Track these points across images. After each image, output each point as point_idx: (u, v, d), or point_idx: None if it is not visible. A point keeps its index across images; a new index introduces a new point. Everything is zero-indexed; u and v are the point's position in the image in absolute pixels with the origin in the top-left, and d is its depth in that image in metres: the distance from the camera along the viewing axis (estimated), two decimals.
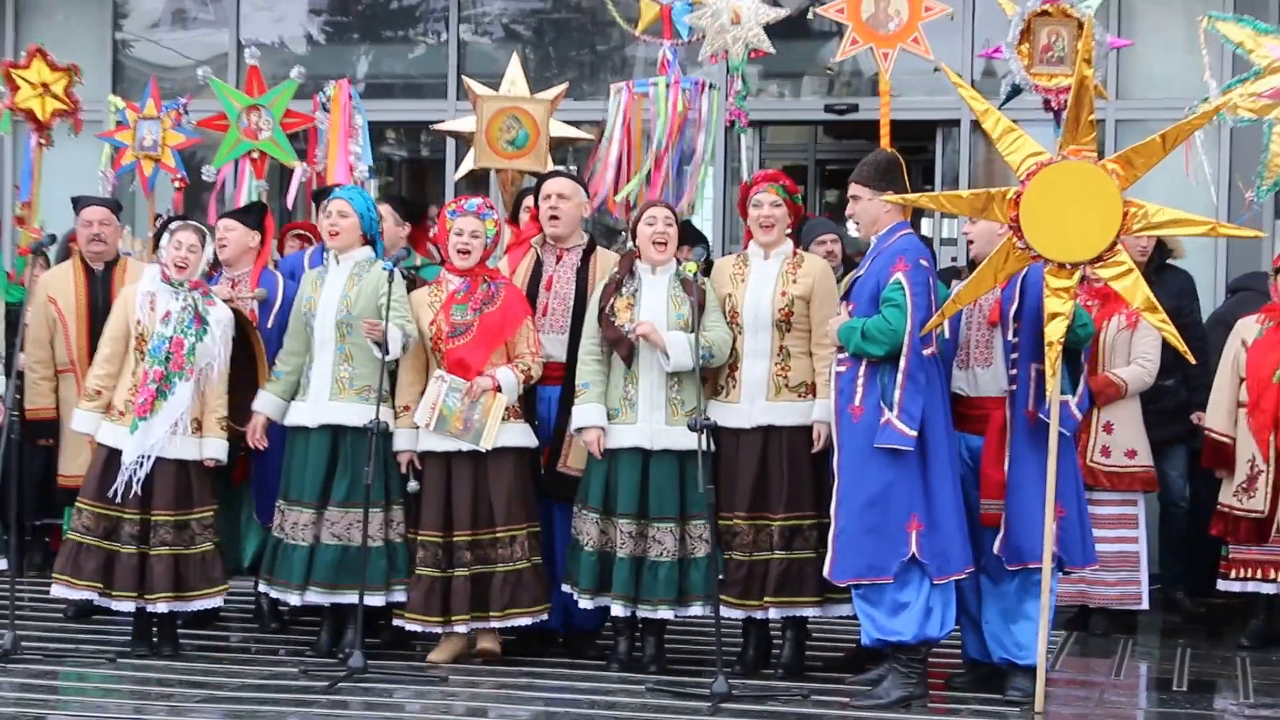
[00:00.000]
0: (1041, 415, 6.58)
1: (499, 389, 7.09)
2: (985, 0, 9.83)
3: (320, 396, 7.24)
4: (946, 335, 6.77)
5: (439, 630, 7.20)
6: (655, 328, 6.95)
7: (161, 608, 7.27)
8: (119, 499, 7.19)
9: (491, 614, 7.13)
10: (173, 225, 7.47)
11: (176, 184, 9.40)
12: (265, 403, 7.36)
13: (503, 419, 7.11)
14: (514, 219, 7.97)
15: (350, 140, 8.47)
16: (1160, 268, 8.41)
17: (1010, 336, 6.69)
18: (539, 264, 7.43)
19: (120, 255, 8.36)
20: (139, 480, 7.19)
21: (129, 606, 7.28)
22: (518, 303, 7.22)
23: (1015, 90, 8.18)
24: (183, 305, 7.28)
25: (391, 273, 7.09)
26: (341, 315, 7.21)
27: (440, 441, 7.15)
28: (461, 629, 7.17)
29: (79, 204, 8.28)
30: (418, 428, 7.17)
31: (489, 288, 7.19)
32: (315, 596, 7.22)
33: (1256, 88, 7.81)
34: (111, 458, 7.24)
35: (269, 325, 7.70)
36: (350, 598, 7.10)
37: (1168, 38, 9.75)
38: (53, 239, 8.14)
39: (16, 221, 9.33)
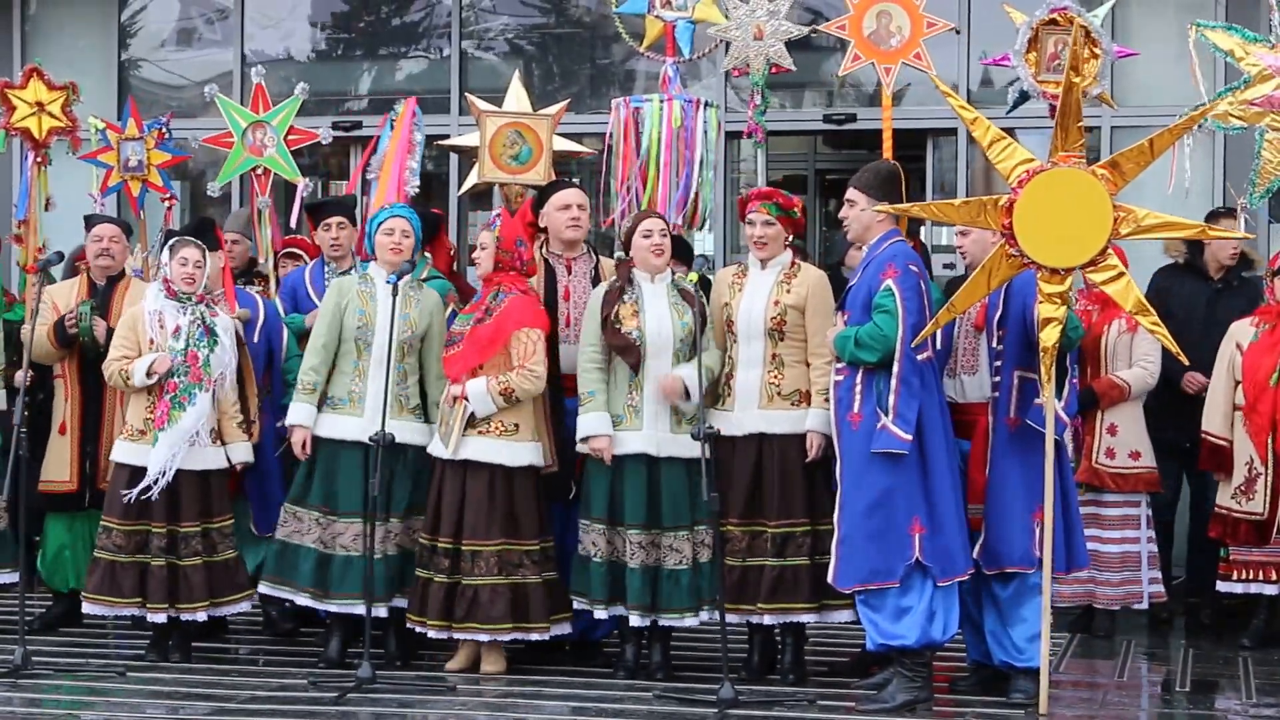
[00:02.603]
0: (1028, 421, 6.63)
1: (465, 398, 7.14)
2: (983, 10, 9.90)
3: (376, 414, 7.24)
4: (939, 345, 6.83)
5: (419, 629, 7.24)
6: (678, 389, 6.98)
7: (201, 616, 7.41)
8: (142, 511, 7.32)
9: (452, 624, 7.18)
10: (172, 242, 7.57)
11: (166, 202, 9.45)
12: (307, 415, 7.35)
13: (481, 432, 7.15)
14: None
15: (409, 156, 8.50)
16: (1239, 279, 8.50)
17: (995, 344, 6.75)
18: (551, 275, 7.48)
19: (127, 273, 8.43)
20: (159, 490, 7.30)
21: (162, 618, 7.40)
22: (514, 314, 7.19)
23: (1023, 97, 8.24)
24: (191, 319, 7.42)
25: (395, 285, 7.17)
26: (405, 335, 7.30)
27: (436, 447, 7.26)
28: (434, 633, 7.22)
29: (91, 222, 8.35)
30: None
31: (496, 299, 7.24)
32: (400, 602, 7.26)
33: (1247, 95, 7.85)
34: (133, 476, 7.37)
35: (254, 340, 7.80)
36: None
37: (1161, 46, 9.81)
38: (60, 256, 8.20)
39: (14, 240, 9.38)
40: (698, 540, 7.10)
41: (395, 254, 7.36)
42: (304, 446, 7.35)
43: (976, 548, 6.72)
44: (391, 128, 8.58)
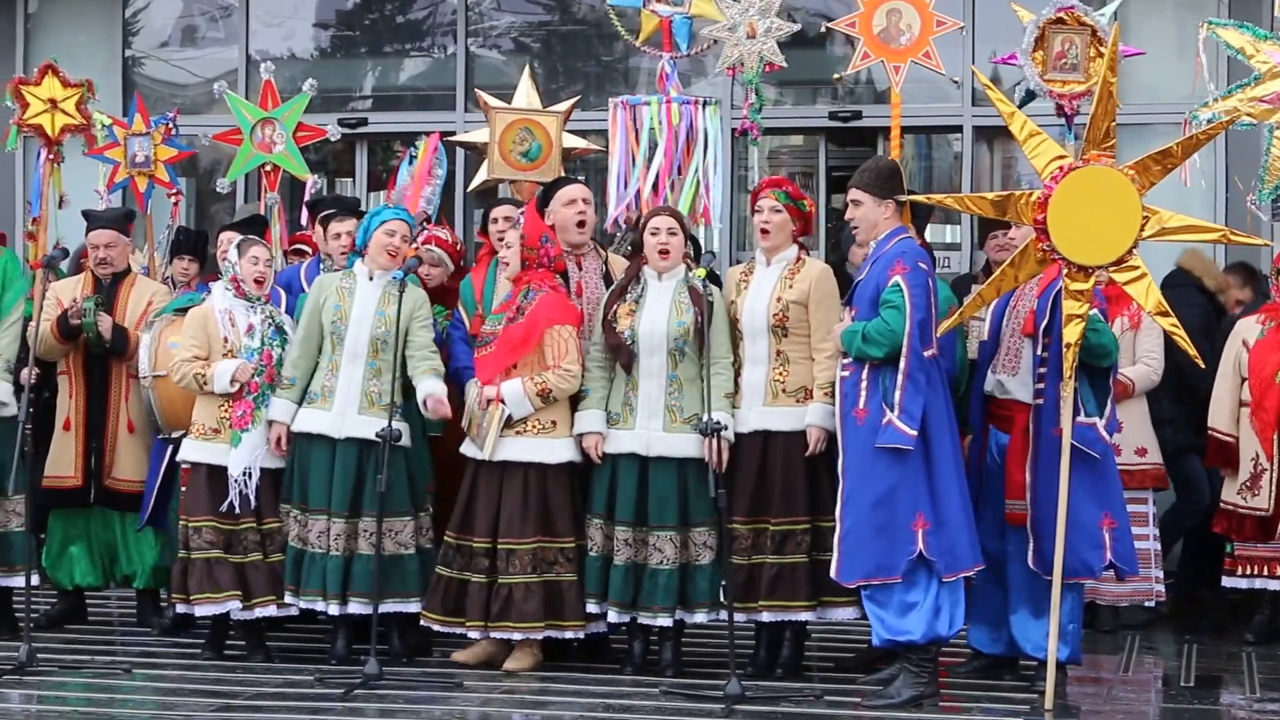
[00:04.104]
0: (1075, 443, 6.61)
1: (501, 400, 7.14)
2: (989, 9, 9.92)
3: (348, 409, 7.26)
4: (985, 337, 6.82)
5: (441, 628, 7.23)
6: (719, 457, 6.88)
7: (263, 612, 7.36)
8: (235, 511, 7.32)
9: (490, 624, 7.17)
10: (240, 241, 7.52)
11: (172, 198, 9.46)
12: (285, 411, 7.35)
13: (518, 432, 7.14)
14: (484, 230, 8.00)
15: (426, 185, 8.46)
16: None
17: (1040, 351, 6.76)
18: (563, 272, 7.45)
19: (133, 269, 8.44)
20: (252, 491, 7.31)
21: (271, 610, 7.38)
22: (546, 311, 7.17)
23: (1030, 96, 8.25)
24: (263, 318, 7.43)
25: (402, 281, 7.17)
26: (379, 332, 7.27)
27: (468, 446, 7.24)
28: (474, 634, 7.21)
29: (89, 220, 8.35)
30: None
31: (527, 297, 7.23)
32: (357, 607, 7.22)
33: (1257, 92, 7.87)
34: (212, 475, 7.35)
35: None
36: (389, 606, 7.23)
37: (1161, 45, 9.83)
38: (65, 253, 8.20)
39: (28, 237, 9.39)
40: (699, 542, 7.08)
41: (391, 256, 7.35)
42: (279, 443, 7.33)
43: (1030, 556, 6.72)
44: (411, 163, 8.56)
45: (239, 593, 7.33)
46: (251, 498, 7.32)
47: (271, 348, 7.39)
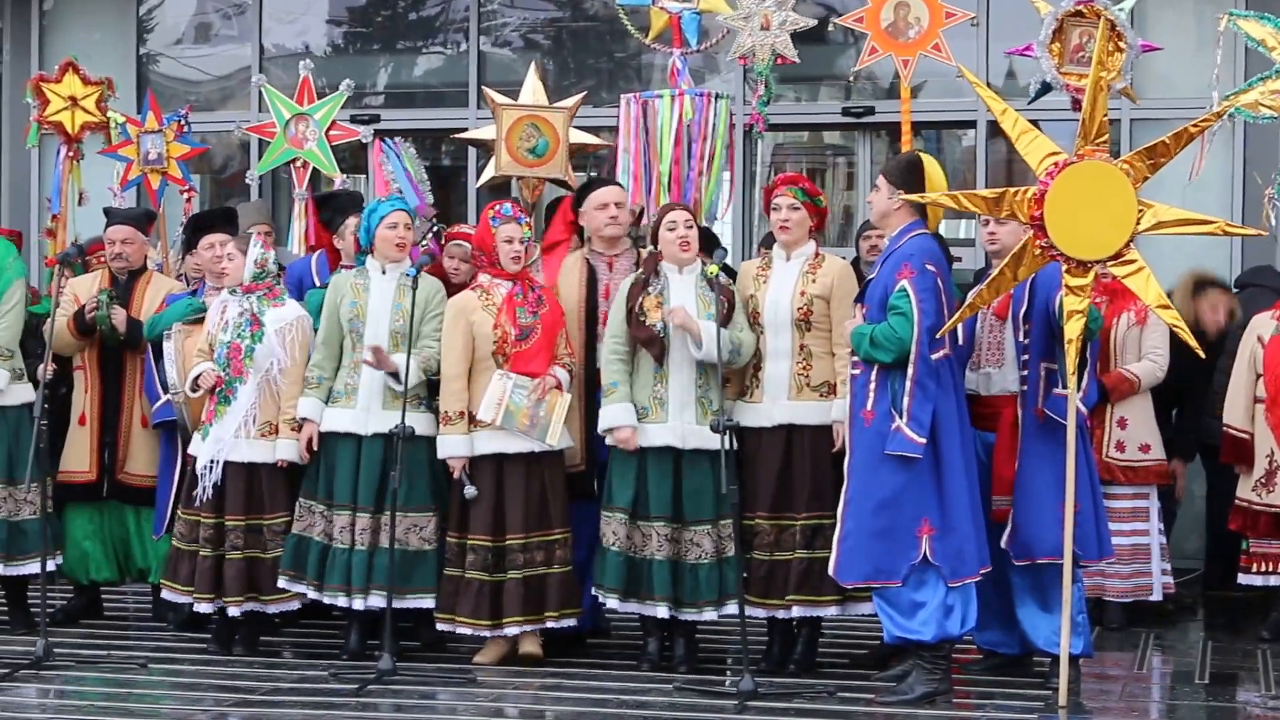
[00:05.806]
0: (1049, 412, 6.64)
1: (560, 387, 7.17)
2: (1002, 2, 9.91)
3: (373, 404, 7.28)
4: (960, 341, 6.83)
5: (488, 634, 7.24)
6: (689, 314, 7.00)
7: (234, 611, 7.40)
8: (198, 504, 7.40)
9: (546, 615, 7.17)
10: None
11: (185, 194, 9.48)
12: (314, 409, 7.36)
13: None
14: None
15: (390, 190, 8.43)
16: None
17: (1021, 337, 6.75)
18: (592, 274, 7.48)
19: (149, 266, 8.47)
20: (213, 484, 7.36)
21: (208, 608, 7.43)
22: (556, 304, 7.32)
23: (1045, 88, 8.23)
24: (240, 310, 7.45)
25: (415, 278, 7.18)
26: (397, 325, 7.29)
27: (490, 443, 7.18)
28: (513, 630, 7.20)
29: (109, 217, 8.38)
30: (467, 434, 7.21)
31: (535, 290, 7.28)
32: (378, 601, 7.20)
33: (1277, 85, 7.85)
34: (194, 467, 7.46)
35: None
36: (414, 601, 7.26)
37: (1180, 39, 9.80)
38: (79, 250, 8.23)
39: (47, 234, 9.42)
40: (725, 534, 7.08)
41: (400, 249, 7.36)
42: (311, 442, 7.34)
43: (1005, 539, 6.72)
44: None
45: (192, 588, 7.40)
46: (209, 489, 7.35)
47: (240, 339, 7.42)
